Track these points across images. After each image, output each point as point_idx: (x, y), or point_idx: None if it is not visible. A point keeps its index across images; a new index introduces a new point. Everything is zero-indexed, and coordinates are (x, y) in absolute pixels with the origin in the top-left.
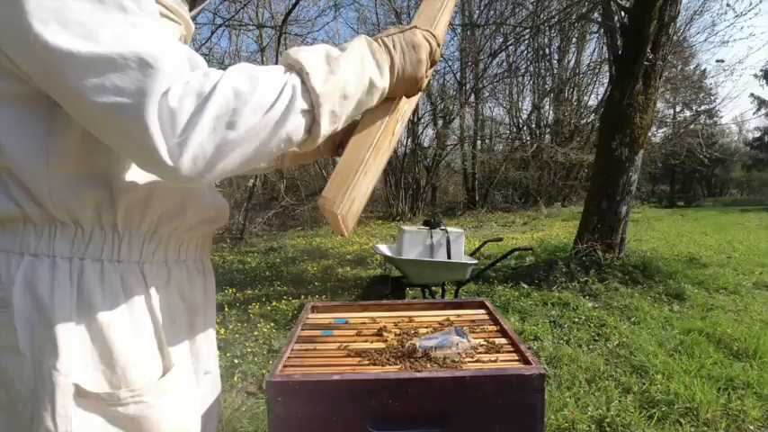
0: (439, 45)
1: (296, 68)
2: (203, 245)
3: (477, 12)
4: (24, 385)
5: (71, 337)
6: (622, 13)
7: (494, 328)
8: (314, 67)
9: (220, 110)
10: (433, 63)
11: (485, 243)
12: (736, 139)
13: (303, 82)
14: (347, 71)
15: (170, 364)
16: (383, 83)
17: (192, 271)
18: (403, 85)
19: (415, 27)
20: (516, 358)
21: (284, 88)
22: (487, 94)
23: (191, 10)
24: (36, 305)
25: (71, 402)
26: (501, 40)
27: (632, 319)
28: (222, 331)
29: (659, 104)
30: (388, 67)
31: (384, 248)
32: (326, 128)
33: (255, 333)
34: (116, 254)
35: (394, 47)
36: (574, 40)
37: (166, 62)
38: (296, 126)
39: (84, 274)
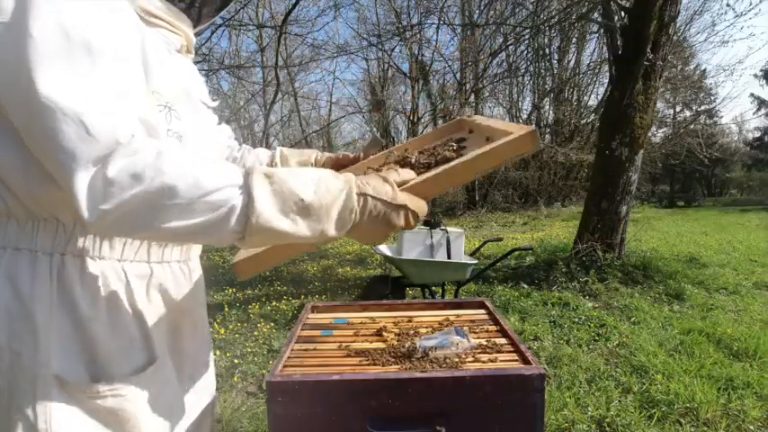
0: (417, 220)
1: (248, 193)
2: (189, 248)
3: (478, 12)
4: (2, 376)
5: (51, 329)
6: (622, 13)
7: (494, 328)
8: (264, 211)
9: (151, 201)
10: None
11: (485, 243)
12: (736, 139)
13: (247, 206)
14: (302, 221)
15: (151, 360)
16: (337, 235)
17: (176, 273)
18: (356, 238)
19: (406, 206)
20: (516, 358)
21: (221, 208)
22: (487, 94)
23: (195, 26)
24: (16, 296)
25: (50, 393)
26: (501, 40)
27: (632, 319)
28: (222, 331)
29: (659, 104)
30: (351, 226)
31: (384, 248)
32: (255, 246)
33: (255, 333)
34: (97, 251)
35: (370, 213)
36: (574, 40)
37: (107, 128)
38: (221, 237)
39: (65, 268)
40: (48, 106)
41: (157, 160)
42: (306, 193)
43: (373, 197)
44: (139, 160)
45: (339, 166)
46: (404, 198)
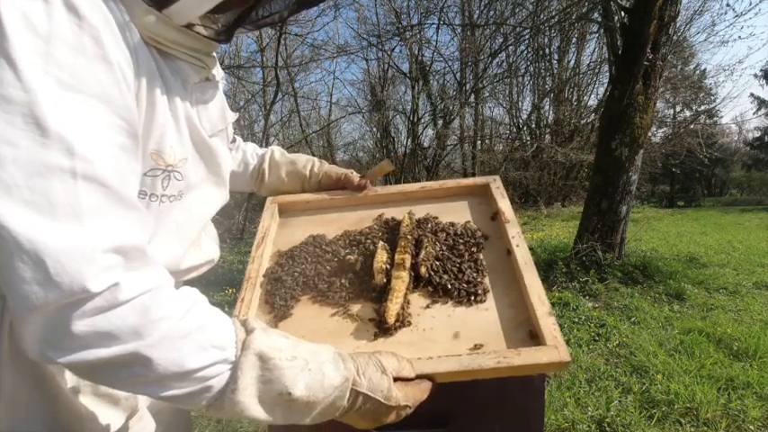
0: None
1: (234, 377)
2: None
3: (478, 12)
4: None
5: (3, 384)
6: (622, 13)
7: None
8: (242, 400)
9: (119, 364)
10: None
11: None
12: (736, 139)
13: (225, 389)
14: (280, 411)
15: (134, 409)
16: (311, 422)
17: None
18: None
19: (398, 407)
20: None
21: (197, 385)
22: (487, 94)
23: (226, 42)
24: None
25: None
26: (501, 40)
27: (632, 319)
28: None
29: (659, 104)
30: (330, 414)
31: None
32: (217, 415)
33: None
34: None
35: (358, 409)
36: (574, 40)
37: (73, 271)
38: (184, 405)
39: None
40: (1, 235)
41: (141, 319)
42: (297, 388)
43: (366, 395)
44: (116, 319)
45: (339, 185)
46: (398, 397)
